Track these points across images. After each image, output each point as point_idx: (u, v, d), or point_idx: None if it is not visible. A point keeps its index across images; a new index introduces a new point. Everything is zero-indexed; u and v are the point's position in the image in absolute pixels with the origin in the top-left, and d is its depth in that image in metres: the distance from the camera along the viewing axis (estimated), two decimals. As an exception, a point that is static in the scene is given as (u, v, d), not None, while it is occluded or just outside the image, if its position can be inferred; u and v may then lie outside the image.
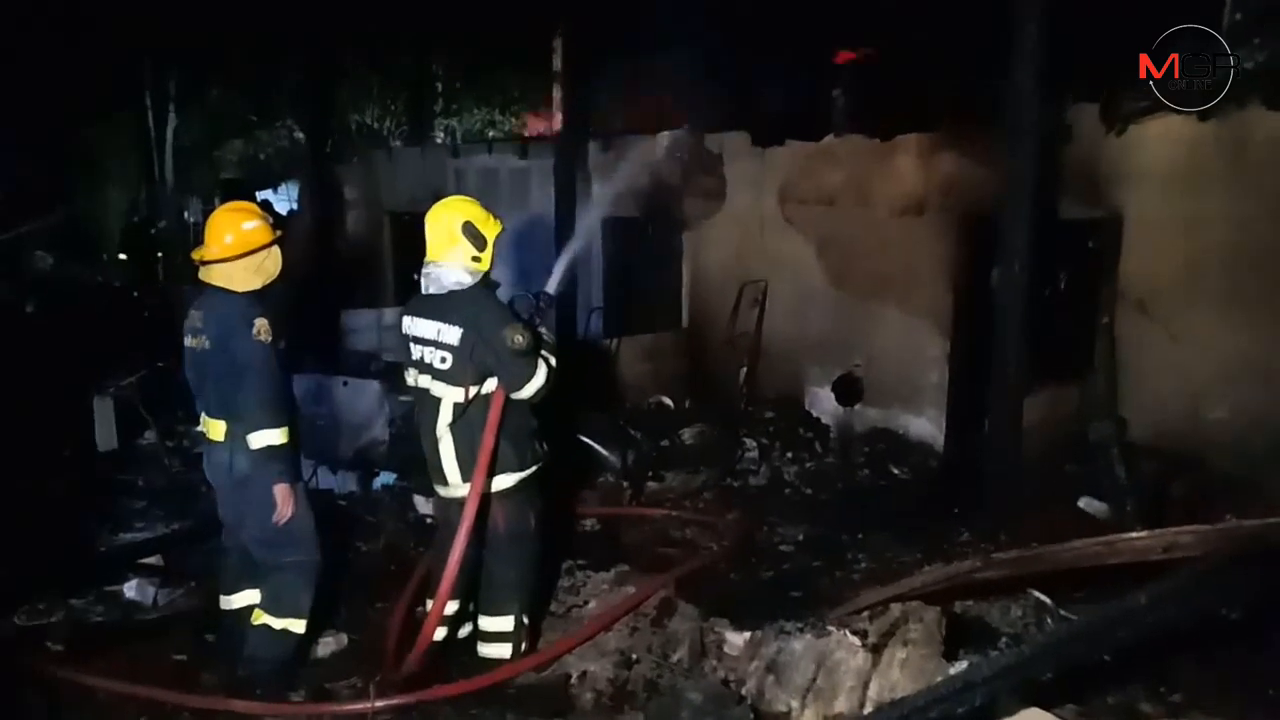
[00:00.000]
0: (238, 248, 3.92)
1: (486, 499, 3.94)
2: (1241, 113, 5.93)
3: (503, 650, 4.03)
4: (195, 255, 4.01)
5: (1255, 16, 6.10)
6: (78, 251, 14.90)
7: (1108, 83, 6.52)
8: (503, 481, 3.96)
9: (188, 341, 3.98)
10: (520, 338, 3.73)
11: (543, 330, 4.07)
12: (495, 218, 4.01)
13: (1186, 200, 6.25)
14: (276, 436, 3.84)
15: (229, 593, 4.21)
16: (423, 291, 4.00)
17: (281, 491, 3.88)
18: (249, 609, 4.08)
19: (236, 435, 3.87)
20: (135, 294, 13.26)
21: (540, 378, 3.87)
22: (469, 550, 4.06)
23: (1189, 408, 6.27)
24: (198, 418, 4.09)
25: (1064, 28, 5.38)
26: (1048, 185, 6.02)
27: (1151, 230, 6.43)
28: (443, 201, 4.03)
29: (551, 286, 4.35)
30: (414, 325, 3.98)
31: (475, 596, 4.17)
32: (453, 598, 4.17)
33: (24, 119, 13.22)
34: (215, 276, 3.94)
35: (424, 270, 4.00)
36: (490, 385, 3.90)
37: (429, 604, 4.07)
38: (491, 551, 4.07)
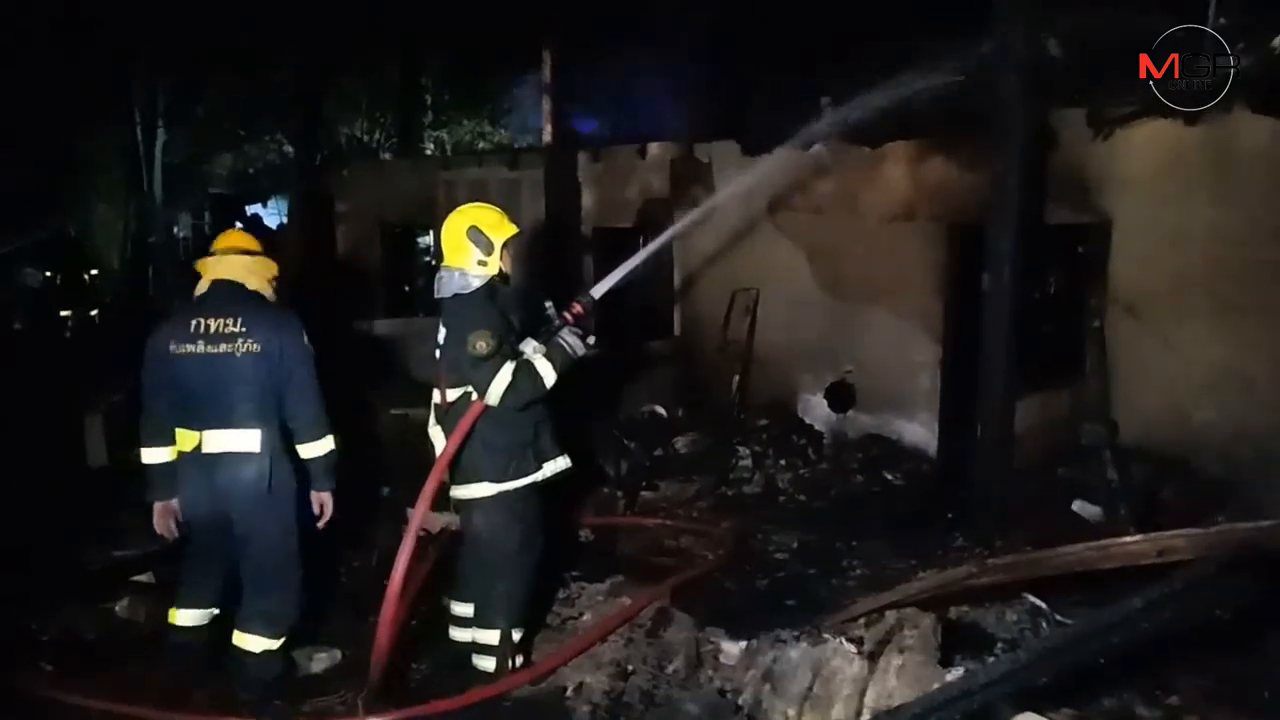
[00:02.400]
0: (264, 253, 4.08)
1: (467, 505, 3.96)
2: (1227, 117, 5.95)
3: (487, 664, 3.98)
4: (223, 244, 4.05)
5: (1239, 20, 6.12)
6: (67, 267, 14.91)
7: (1093, 86, 6.54)
8: (477, 490, 3.90)
9: (213, 348, 3.77)
10: (483, 344, 3.71)
11: (563, 335, 3.98)
12: (509, 221, 4.00)
13: (1173, 204, 6.28)
14: (334, 442, 3.96)
15: (202, 607, 4.06)
16: (435, 295, 4.01)
17: (323, 497, 3.99)
18: (211, 627, 4.05)
19: (275, 445, 3.84)
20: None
21: (499, 386, 3.74)
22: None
23: (1179, 411, 6.28)
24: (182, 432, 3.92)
25: (1050, 32, 5.40)
26: (1036, 190, 6.04)
27: (1139, 234, 6.45)
28: (458, 208, 4.04)
29: (598, 291, 4.23)
30: (438, 326, 4.01)
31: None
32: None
33: (12, 137, 13.20)
34: (252, 279, 3.95)
35: (437, 275, 4.02)
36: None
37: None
38: (474, 562, 4.06)
